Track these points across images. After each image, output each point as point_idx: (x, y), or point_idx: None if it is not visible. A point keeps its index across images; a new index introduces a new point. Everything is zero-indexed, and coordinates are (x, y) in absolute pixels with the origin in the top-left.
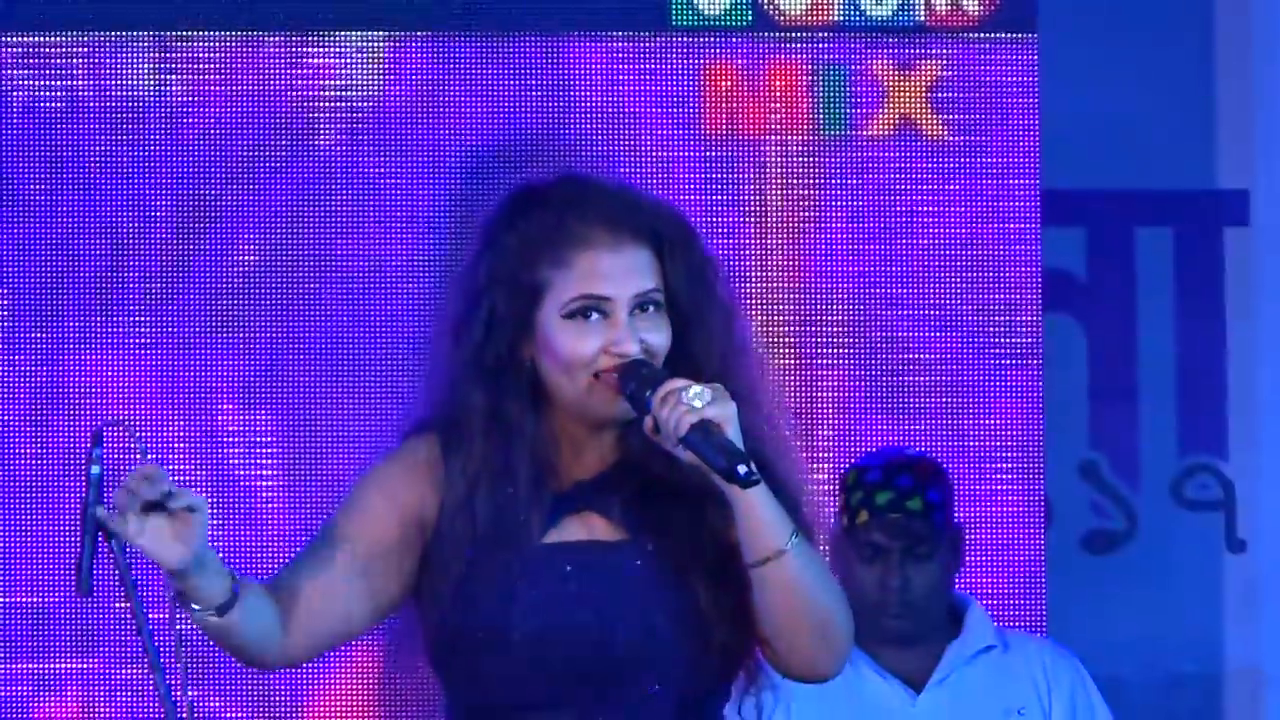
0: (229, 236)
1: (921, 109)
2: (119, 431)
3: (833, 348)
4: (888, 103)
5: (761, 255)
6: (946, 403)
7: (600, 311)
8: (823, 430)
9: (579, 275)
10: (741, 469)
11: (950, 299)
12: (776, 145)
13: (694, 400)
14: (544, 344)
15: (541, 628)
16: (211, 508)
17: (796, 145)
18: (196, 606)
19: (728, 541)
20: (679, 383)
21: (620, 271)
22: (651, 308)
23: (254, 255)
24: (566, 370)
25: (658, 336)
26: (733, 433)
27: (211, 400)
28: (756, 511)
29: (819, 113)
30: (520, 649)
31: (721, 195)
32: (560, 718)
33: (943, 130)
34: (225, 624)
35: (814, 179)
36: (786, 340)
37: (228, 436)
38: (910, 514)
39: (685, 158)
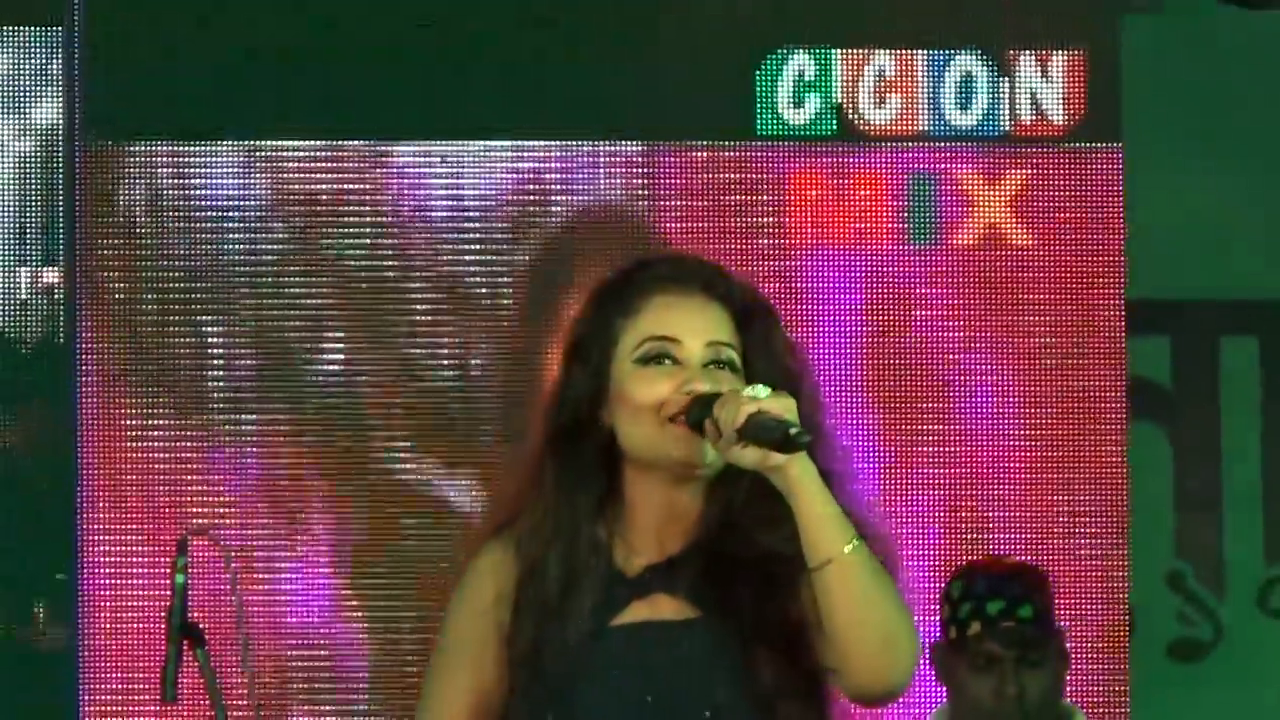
0: (313, 337)
1: (1007, 218)
2: (203, 540)
3: (920, 459)
4: (974, 212)
5: (848, 366)
6: (1032, 511)
7: (671, 358)
8: (910, 546)
9: (650, 320)
10: (793, 430)
11: (1036, 408)
12: (864, 255)
13: (754, 392)
14: (617, 396)
15: (604, 715)
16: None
17: (884, 255)
18: None
19: (798, 616)
20: (737, 387)
21: (694, 317)
22: (727, 368)
23: (339, 355)
24: (638, 415)
25: None
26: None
27: (297, 505)
28: (816, 510)
29: (906, 222)
30: None
31: (809, 307)
32: None
33: (1029, 239)
34: None
35: (902, 289)
36: (874, 453)
37: (312, 543)
38: (1022, 622)
39: (771, 268)
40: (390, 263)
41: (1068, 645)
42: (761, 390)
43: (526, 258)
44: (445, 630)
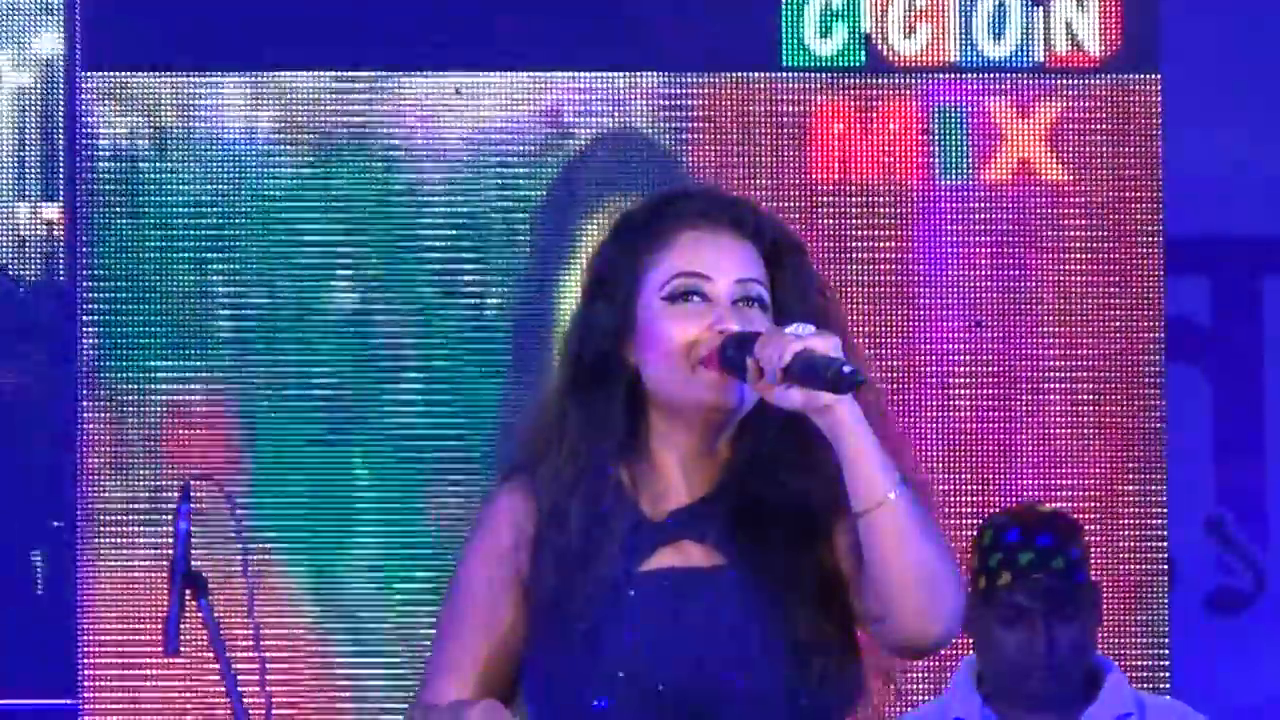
0: (323, 276)
1: (1041, 153)
2: (208, 485)
3: (946, 402)
4: (1006, 147)
5: (874, 306)
6: (1066, 457)
7: (701, 294)
8: (939, 494)
9: (678, 255)
10: (845, 368)
11: (1070, 350)
12: (891, 191)
13: (798, 330)
14: (644, 335)
15: (632, 663)
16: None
17: (912, 191)
18: None
19: (832, 567)
20: (779, 327)
21: (723, 254)
22: (756, 305)
23: (350, 296)
24: (667, 358)
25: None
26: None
27: (305, 451)
28: (862, 454)
29: (936, 157)
30: (611, 685)
31: (834, 244)
32: None
33: (1063, 175)
34: None
35: (930, 226)
36: (897, 396)
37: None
38: (1054, 573)
39: (795, 203)
40: (403, 199)
41: (1101, 599)
42: (805, 328)
43: (546, 194)
44: (459, 575)
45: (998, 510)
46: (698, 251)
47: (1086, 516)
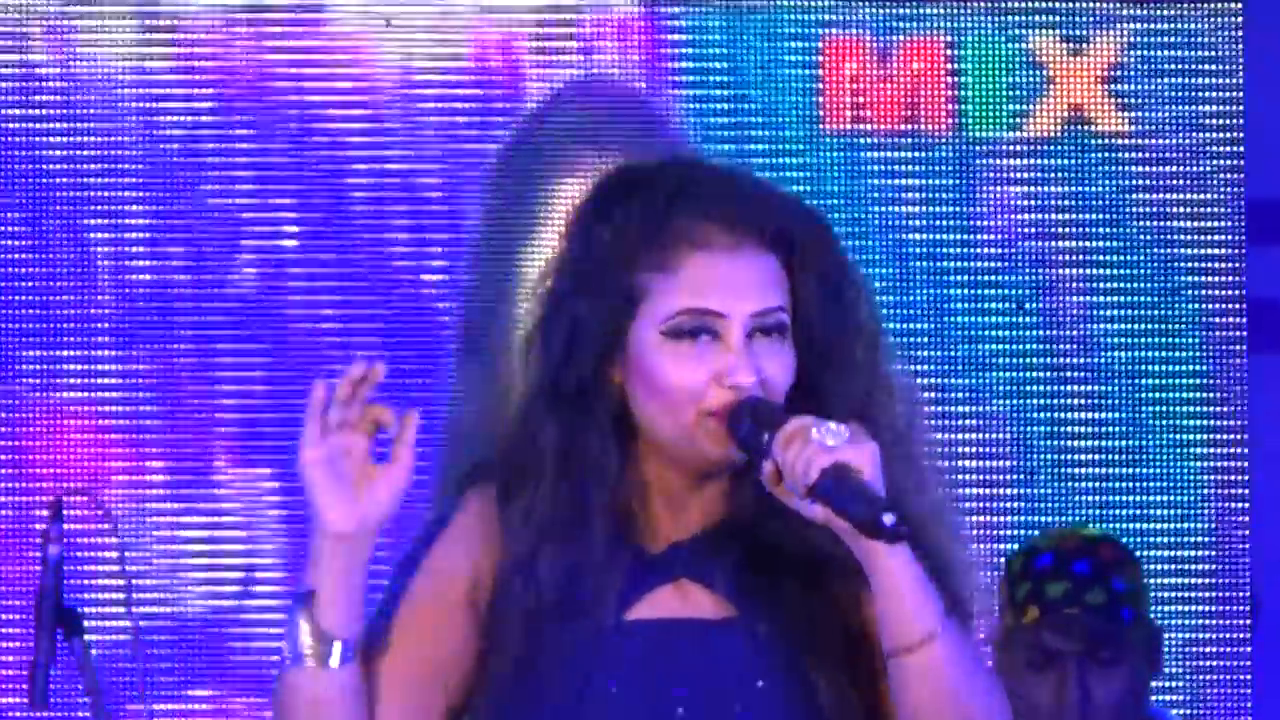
0: (226, 245)
1: (1096, 98)
2: (84, 502)
3: (980, 400)
4: (1054, 90)
5: (897, 282)
6: (1128, 469)
7: (710, 332)
8: (970, 505)
9: (687, 284)
10: (887, 518)
11: (1130, 338)
12: (915, 145)
13: (826, 439)
14: (638, 368)
15: None
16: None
17: (940, 145)
18: (308, 640)
19: (859, 624)
20: (806, 420)
21: (738, 283)
22: (775, 333)
23: (256, 268)
24: (665, 404)
25: (779, 369)
26: (874, 478)
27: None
28: (901, 585)
29: (968, 104)
30: None
31: (849, 209)
32: None
33: (1123, 124)
34: (330, 680)
35: (961, 187)
36: (932, 392)
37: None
38: (1090, 609)
39: (802, 159)
40: (324, 154)
41: (1160, 642)
42: (838, 434)
43: (495, 145)
44: (406, 587)
45: (1038, 533)
46: (711, 280)
47: (1149, 540)
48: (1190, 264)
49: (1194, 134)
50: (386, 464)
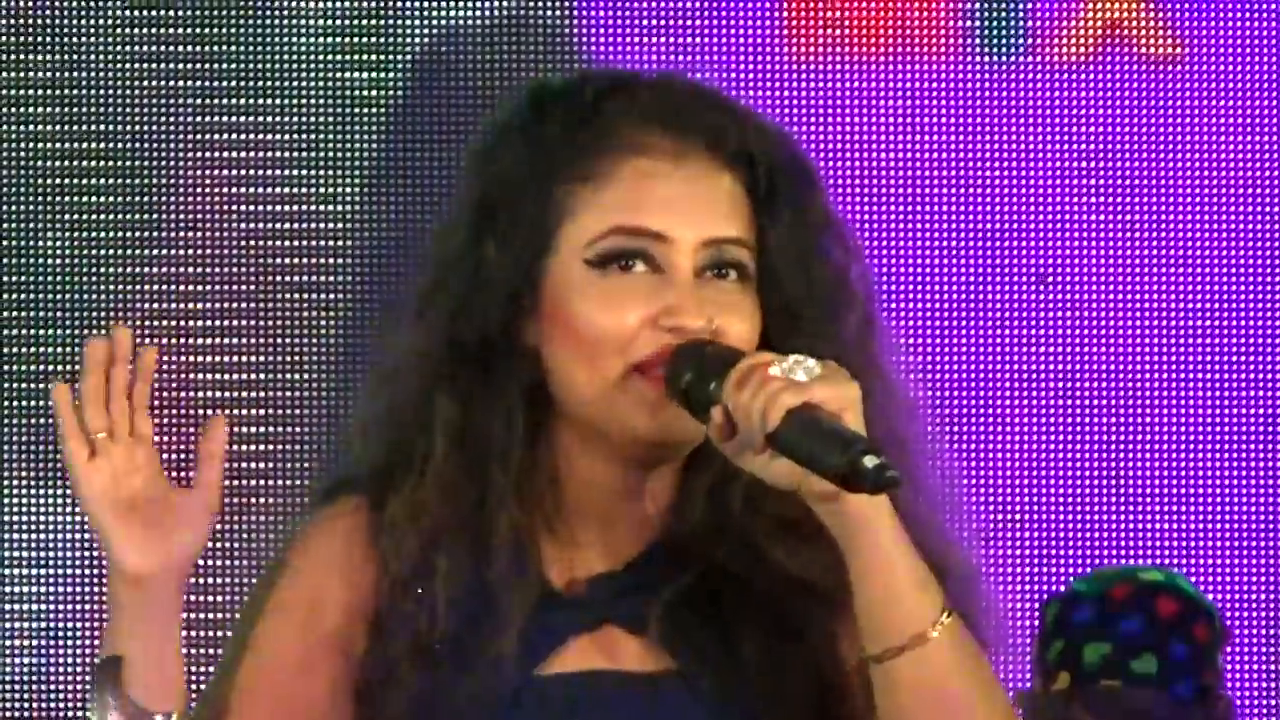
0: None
1: (1136, 17)
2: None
3: (996, 393)
4: (1085, 8)
5: (896, 242)
6: (1180, 483)
7: (647, 260)
8: (977, 494)
9: (618, 197)
10: (868, 460)
11: (1179, 320)
12: (916, 75)
13: (796, 372)
14: (554, 316)
15: None
16: None
17: (946, 74)
18: (115, 702)
19: (833, 673)
20: (765, 356)
21: (686, 200)
22: (733, 273)
23: (210, 228)
24: (583, 354)
25: (737, 321)
26: (854, 423)
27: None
28: (888, 569)
29: (979, 23)
30: None
31: (835, 155)
32: None
33: (1168, 48)
34: None
35: (973, 126)
36: (925, 380)
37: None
38: (1138, 680)
39: (779, 94)
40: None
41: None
42: (804, 368)
43: (395, 76)
44: (255, 634)
45: (1078, 575)
46: (650, 191)
47: (1213, 577)
48: (1247, 221)
49: (1246, 58)
50: (190, 488)
